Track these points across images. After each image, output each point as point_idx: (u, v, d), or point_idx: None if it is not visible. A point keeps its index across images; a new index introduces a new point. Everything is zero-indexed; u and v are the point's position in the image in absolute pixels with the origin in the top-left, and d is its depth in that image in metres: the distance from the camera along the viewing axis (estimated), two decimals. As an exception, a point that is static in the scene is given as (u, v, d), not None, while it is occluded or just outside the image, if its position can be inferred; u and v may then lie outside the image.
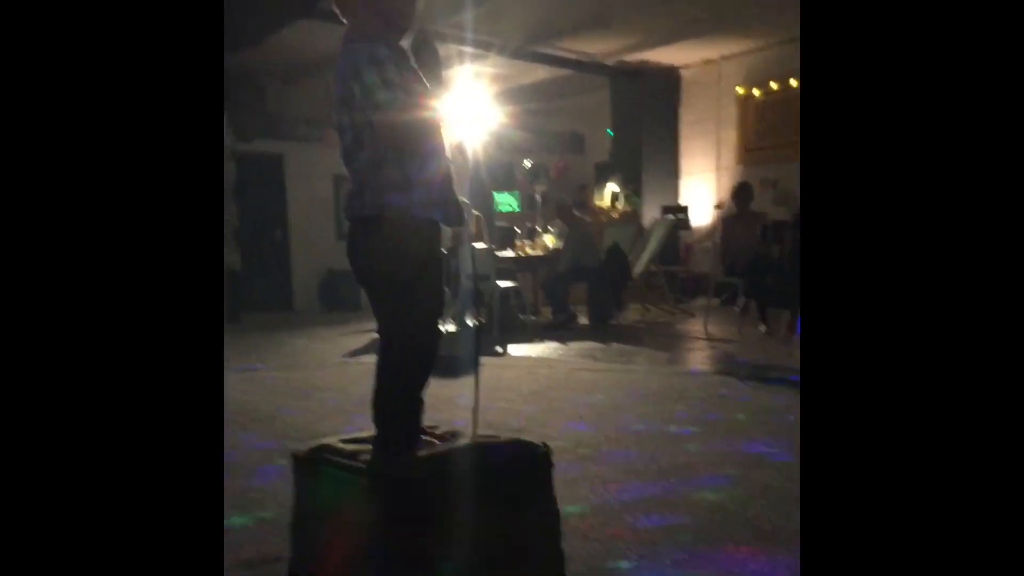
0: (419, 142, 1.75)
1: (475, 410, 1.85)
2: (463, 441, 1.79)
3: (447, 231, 7.47)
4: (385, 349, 1.77)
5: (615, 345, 6.15)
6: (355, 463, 1.64)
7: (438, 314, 1.82)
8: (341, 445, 1.74)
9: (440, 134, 1.82)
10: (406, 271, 1.74)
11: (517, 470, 1.74)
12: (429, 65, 1.83)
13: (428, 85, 1.78)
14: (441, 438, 1.81)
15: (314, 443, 1.80)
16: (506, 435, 1.90)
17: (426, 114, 1.73)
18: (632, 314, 8.21)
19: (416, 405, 1.77)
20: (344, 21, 1.85)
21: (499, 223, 9.27)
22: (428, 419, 1.85)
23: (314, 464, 1.73)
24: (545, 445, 1.80)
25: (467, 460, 1.67)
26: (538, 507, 1.76)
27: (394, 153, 1.73)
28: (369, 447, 1.72)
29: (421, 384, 1.77)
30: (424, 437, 1.78)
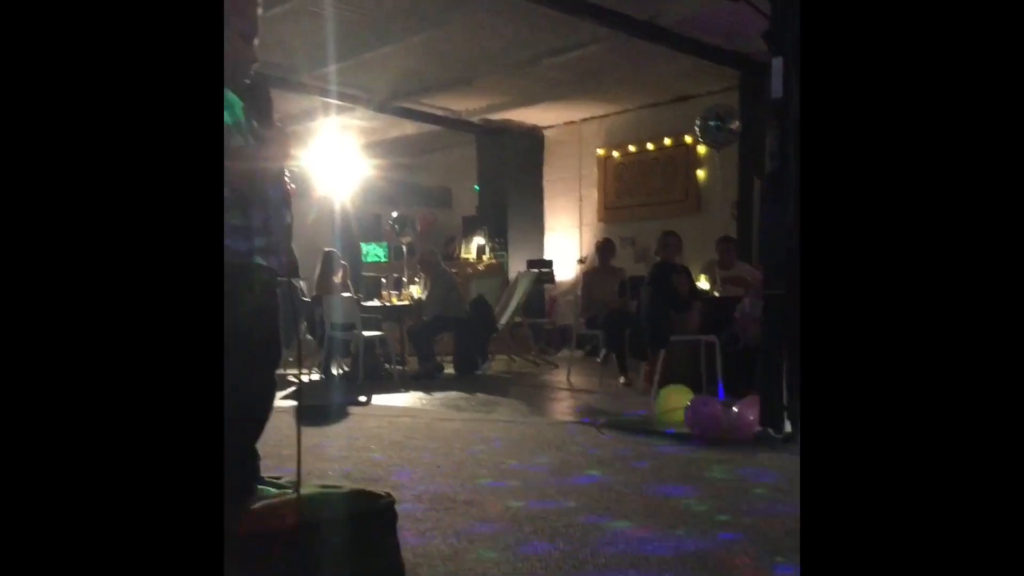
0: (266, 191, 1.75)
1: (298, 460, 1.80)
2: (304, 491, 1.76)
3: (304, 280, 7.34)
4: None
5: (479, 395, 6.18)
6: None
7: (274, 364, 1.80)
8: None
9: (284, 184, 1.82)
10: (243, 320, 1.71)
11: (357, 522, 1.72)
12: (265, 111, 1.83)
13: (269, 133, 1.79)
14: (282, 487, 1.77)
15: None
16: (351, 486, 1.88)
17: (275, 163, 1.74)
18: (498, 364, 8.29)
19: (250, 456, 1.73)
20: None
21: (366, 273, 9.21)
22: (283, 470, 1.81)
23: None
24: (388, 495, 1.79)
25: (303, 512, 1.64)
26: (380, 560, 1.74)
27: (239, 199, 1.72)
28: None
29: (255, 435, 1.73)
30: (263, 487, 1.73)
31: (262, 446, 1.94)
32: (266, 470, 2.00)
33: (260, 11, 1.90)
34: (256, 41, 1.89)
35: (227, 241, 1.70)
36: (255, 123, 1.77)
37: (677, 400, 4.55)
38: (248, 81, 1.85)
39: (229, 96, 1.71)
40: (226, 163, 1.66)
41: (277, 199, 1.79)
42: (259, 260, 1.73)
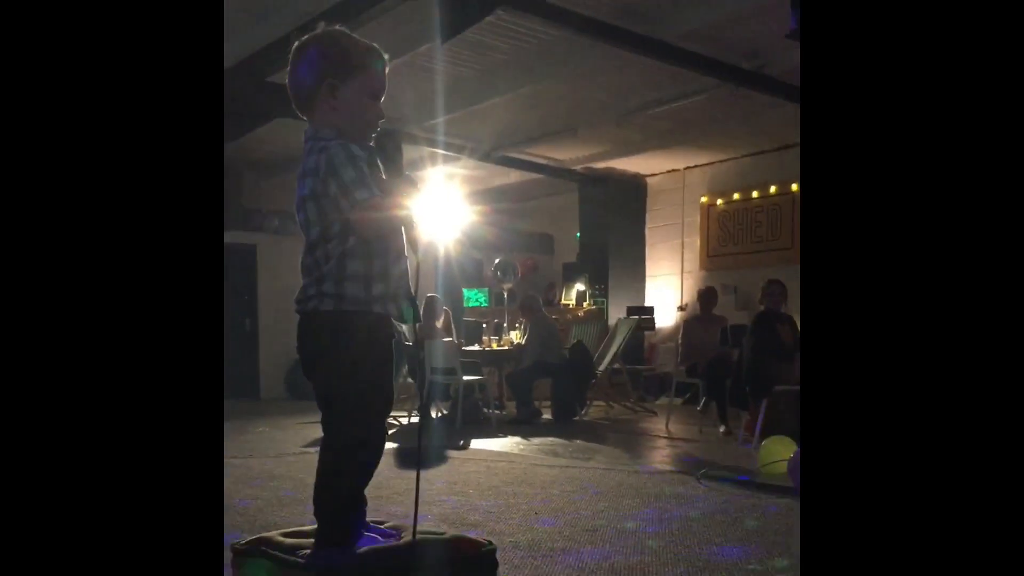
0: (388, 239, 1.83)
1: (415, 505, 1.88)
2: (407, 537, 1.82)
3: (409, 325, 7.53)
4: (329, 443, 1.79)
5: (577, 441, 6.16)
6: (291, 558, 1.65)
7: (386, 411, 1.86)
8: (281, 539, 1.75)
9: (408, 232, 1.90)
10: (356, 365, 1.78)
11: (460, 568, 1.76)
12: (394, 163, 1.92)
13: (396, 183, 1.87)
14: (386, 533, 1.83)
15: (255, 536, 1.80)
16: (452, 531, 1.93)
17: (399, 213, 1.81)
18: (596, 410, 8.24)
19: (358, 500, 1.79)
20: (304, 118, 1.95)
21: (467, 318, 9.36)
22: (384, 512, 1.86)
23: (251, 557, 1.73)
24: (489, 543, 1.83)
25: (406, 558, 1.69)
26: (479, 606, 1.78)
27: (362, 248, 1.80)
28: (310, 541, 1.73)
29: (364, 480, 1.79)
30: (368, 533, 1.79)
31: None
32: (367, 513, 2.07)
33: (388, 69, 2.01)
34: (383, 98, 2.00)
35: (347, 289, 1.79)
36: (382, 174, 1.85)
37: (780, 451, 4.43)
38: (375, 136, 1.95)
39: (355, 151, 1.80)
40: (354, 215, 1.75)
41: (399, 247, 1.87)
42: (377, 308, 1.81)
